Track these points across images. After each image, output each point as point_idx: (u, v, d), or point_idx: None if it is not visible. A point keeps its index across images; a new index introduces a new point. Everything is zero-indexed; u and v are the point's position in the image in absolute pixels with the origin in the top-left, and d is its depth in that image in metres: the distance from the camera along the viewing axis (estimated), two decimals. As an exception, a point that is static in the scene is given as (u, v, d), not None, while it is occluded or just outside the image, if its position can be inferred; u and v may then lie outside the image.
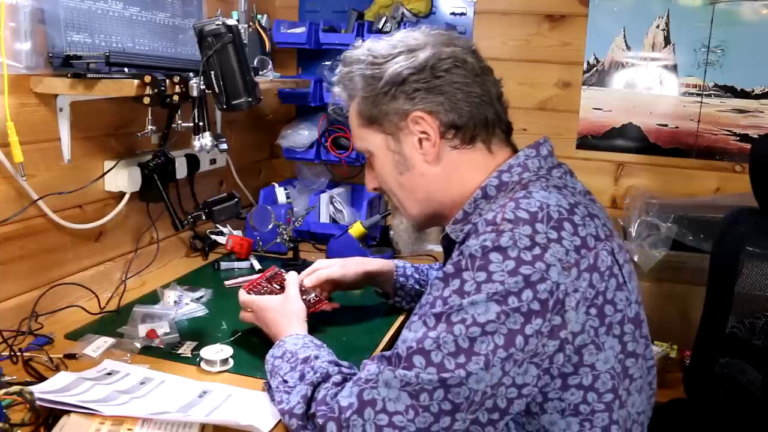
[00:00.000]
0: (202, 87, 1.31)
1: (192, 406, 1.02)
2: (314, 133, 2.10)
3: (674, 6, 2.01)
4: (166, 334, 1.27)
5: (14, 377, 1.07)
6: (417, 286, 1.43)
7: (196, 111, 1.35)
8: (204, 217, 1.46)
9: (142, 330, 1.27)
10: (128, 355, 1.20)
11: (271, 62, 1.95)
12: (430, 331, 0.85)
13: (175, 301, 1.45)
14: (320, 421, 0.88)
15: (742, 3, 1.96)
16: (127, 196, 1.55)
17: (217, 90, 1.29)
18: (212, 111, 1.59)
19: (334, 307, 1.40)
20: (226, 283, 1.51)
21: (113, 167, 1.50)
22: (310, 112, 2.17)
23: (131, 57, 1.43)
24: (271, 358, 1.08)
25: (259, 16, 2.03)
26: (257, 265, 1.77)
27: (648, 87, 2.08)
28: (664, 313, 2.03)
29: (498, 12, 2.16)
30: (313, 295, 1.35)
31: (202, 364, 1.17)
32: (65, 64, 1.32)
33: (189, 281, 1.63)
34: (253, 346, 1.27)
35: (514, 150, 1.05)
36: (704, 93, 2.03)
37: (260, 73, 1.90)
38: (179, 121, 1.40)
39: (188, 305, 1.45)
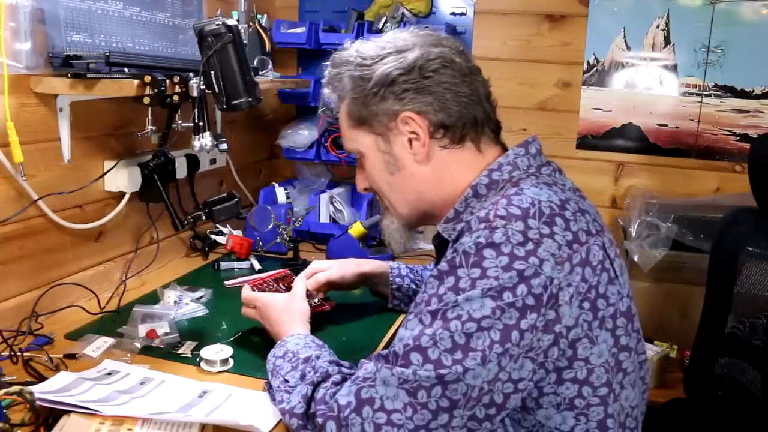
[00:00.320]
0: (202, 87, 1.31)
1: (192, 406, 1.02)
2: (314, 133, 2.10)
3: (674, 6, 2.01)
4: (166, 334, 1.27)
5: (14, 377, 1.07)
6: (413, 286, 1.44)
7: (196, 111, 1.35)
8: (204, 217, 1.47)
9: (142, 330, 1.27)
10: (128, 355, 1.20)
11: (271, 62, 1.95)
12: (427, 329, 0.86)
13: (175, 301, 1.45)
14: (320, 420, 0.89)
15: (742, 3, 1.96)
16: (127, 196, 1.55)
17: (217, 90, 1.29)
18: (212, 111, 1.59)
19: (332, 304, 1.40)
20: (226, 283, 1.52)
21: (113, 167, 1.51)
22: (310, 112, 2.18)
23: (131, 57, 1.43)
24: (273, 358, 1.08)
25: (259, 16, 2.03)
26: (257, 265, 1.77)
27: (648, 87, 2.08)
28: (664, 313, 2.03)
29: (498, 12, 2.16)
30: (316, 300, 1.35)
31: (202, 364, 1.17)
32: (65, 64, 1.32)
33: (189, 281, 1.63)
34: (253, 346, 1.27)
35: (504, 149, 1.06)
36: (704, 93, 2.03)
37: (260, 73, 1.90)
38: (179, 121, 1.40)
39: (188, 305, 1.45)
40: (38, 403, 0.93)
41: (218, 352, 1.18)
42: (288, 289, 1.33)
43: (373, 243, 1.97)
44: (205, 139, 1.37)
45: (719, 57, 2.00)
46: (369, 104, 1.03)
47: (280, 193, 2.09)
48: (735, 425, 1.51)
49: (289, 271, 1.42)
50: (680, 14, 2.01)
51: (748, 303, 1.48)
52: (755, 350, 1.47)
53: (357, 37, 1.68)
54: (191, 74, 1.33)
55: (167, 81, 1.30)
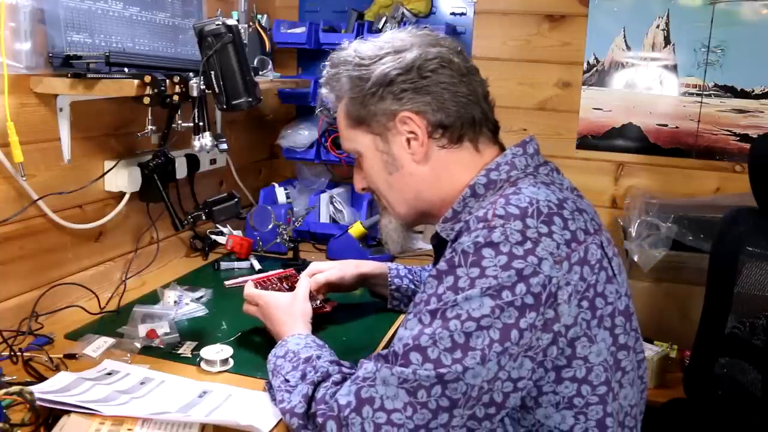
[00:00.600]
0: (202, 87, 1.31)
1: (192, 406, 1.02)
2: (314, 133, 2.10)
3: (674, 6, 2.01)
4: (166, 334, 1.27)
5: (14, 377, 1.07)
6: (412, 286, 1.44)
7: (196, 111, 1.35)
8: (204, 217, 1.47)
9: (142, 330, 1.27)
10: (128, 355, 1.20)
11: (271, 62, 1.95)
12: (426, 328, 0.86)
13: (175, 301, 1.45)
14: (320, 420, 0.89)
15: (742, 3, 1.96)
16: (127, 196, 1.55)
17: (217, 90, 1.29)
18: (212, 111, 1.59)
19: (333, 305, 1.41)
20: (226, 283, 1.51)
21: (113, 167, 1.51)
22: (310, 112, 2.17)
23: (131, 57, 1.43)
24: (274, 358, 1.08)
25: (259, 16, 2.03)
26: (257, 265, 1.77)
27: (648, 87, 2.08)
28: (664, 313, 2.02)
29: (498, 12, 2.16)
30: (318, 301, 1.36)
31: (202, 364, 1.17)
32: (65, 64, 1.32)
33: (189, 281, 1.63)
34: (253, 346, 1.27)
35: (501, 148, 1.06)
36: (704, 93, 2.03)
37: (260, 73, 1.90)
38: (179, 121, 1.40)
39: (188, 305, 1.45)
40: (38, 403, 0.93)
41: (218, 352, 1.18)
42: (291, 288, 1.33)
43: (373, 243, 1.97)
44: (205, 139, 1.37)
45: (719, 57, 2.00)
46: (367, 104, 1.03)
47: (280, 193, 2.09)
48: (735, 425, 1.51)
49: (294, 271, 1.42)
50: (680, 14, 2.01)
51: (748, 303, 1.48)
52: (755, 350, 1.47)
53: (357, 37, 1.68)
54: (191, 74, 1.33)
55: (167, 81, 1.30)
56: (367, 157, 1.08)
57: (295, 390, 0.97)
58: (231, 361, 1.18)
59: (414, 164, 1.03)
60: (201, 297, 1.52)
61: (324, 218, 2.07)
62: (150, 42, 1.61)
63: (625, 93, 2.10)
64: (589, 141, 2.15)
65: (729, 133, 2.03)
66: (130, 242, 1.64)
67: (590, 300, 0.88)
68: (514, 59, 2.16)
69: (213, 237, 1.85)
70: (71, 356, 1.17)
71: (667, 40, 2.04)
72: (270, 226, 1.87)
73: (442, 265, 0.89)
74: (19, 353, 1.15)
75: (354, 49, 1.06)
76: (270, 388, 1.06)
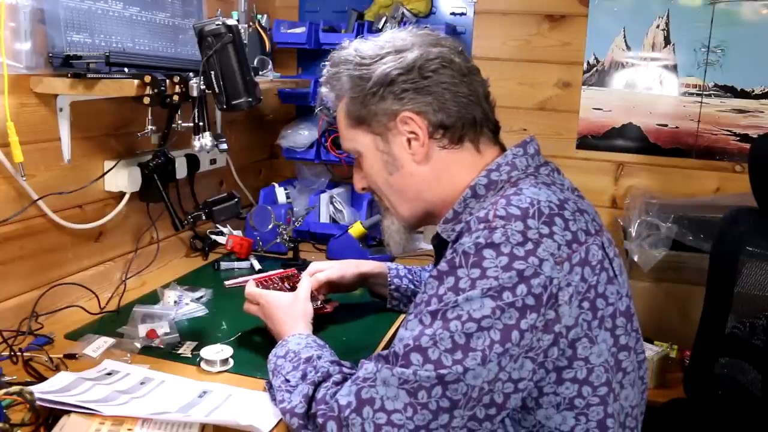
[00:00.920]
0: (202, 87, 1.31)
1: (192, 406, 1.02)
2: (314, 133, 2.10)
3: (674, 6, 2.01)
4: (166, 334, 1.27)
5: (14, 377, 1.07)
6: (412, 287, 1.44)
7: (196, 111, 1.35)
8: (204, 217, 1.47)
9: (142, 330, 1.27)
10: (128, 355, 1.20)
11: (271, 62, 1.95)
12: (426, 329, 0.86)
13: (175, 301, 1.45)
14: (320, 420, 0.89)
15: (742, 3, 1.96)
16: (127, 196, 1.55)
17: (217, 90, 1.29)
18: (212, 111, 1.59)
19: (334, 305, 1.41)
20: (226, 283, 1.51)
21: (113, 167, 1.51)
22: (310, 112, 2.17)
23: (131, 57, 1.43)
24: (274, 357, 1.08)
25: (259, 16, 2.03)
26: (257, 265, 1.77)
27: (648, 87, 2.08)
28: (664, 313, 2.03)
29: (498, 12, 2.16)
30: (318, 302, 1.35)
31: (202, 364, 1.17)
32: (65, 64, 1.32)
33: (189, 281, 1.63)
34: (253, 346, 1.27)
35: (502, 149, 1.06)
36: (704, 93, 2.03)
37: (260, 73, 1.90)
38: (179, 121, 1.40)
39: (188, 305, 1.45)
40: (38, 403, 0.93)
41: (218, 352, 1.18)
42: (293, 288, 1.33)
43: (373, 243, 1.97)
44: (205, 139, 1.37)
45: (719, 57, 2.00)
46: (368, 104, 1.03)
47: (280, 193, 2.09)
48: (735, 425, 1.51)
49: (296, 271, 1.42)
50: (680, 14, 2.01)
51: (749, 303, 1.48)
52: (755, 350, 1.47)
53: (357, 37, 1.68)
54: (191, 74, 1.33)
55: (167, 81, 1.30)
56: (367, 157, 1.07)
57: (296, 390, 0.97)
58: (231, 361, 1.18)
59: (414, 164, 1.03)
60: (201, 297, 1.52)
61: (324, 218, 2.07)
62: (150, 42, 1.61)
63: (625, 93, 2.10)
64: (589, 141, 2.15)
65: (729, 133, 2.03)
66: (130, 242, 1.64)
67: (591, 301, 0.88)
68: (514, 59, 2.16)
69: (213, 237, 1.85)
70: (71, 356, 1.17)
71: (667, 40, 2.04)
72: (270, 226, 1.87)
73: (443, 265, 0.89)
74: (19, 353, 1.15)
75: (355, 48, 1.06)
76: (270, 387, 1.06)
